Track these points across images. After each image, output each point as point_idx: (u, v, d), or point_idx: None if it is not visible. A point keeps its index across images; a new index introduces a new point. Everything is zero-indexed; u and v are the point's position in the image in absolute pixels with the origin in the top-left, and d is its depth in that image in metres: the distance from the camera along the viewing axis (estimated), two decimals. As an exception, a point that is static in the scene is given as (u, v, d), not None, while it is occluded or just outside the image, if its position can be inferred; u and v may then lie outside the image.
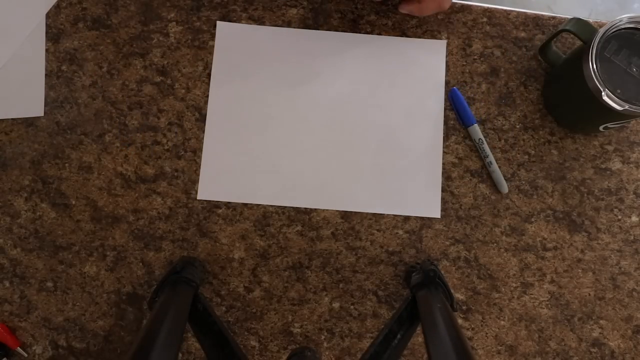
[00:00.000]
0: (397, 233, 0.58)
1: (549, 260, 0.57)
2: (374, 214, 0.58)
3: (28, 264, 0.57)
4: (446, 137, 0.58)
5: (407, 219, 0.58)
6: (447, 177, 0.58)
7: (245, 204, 0.58)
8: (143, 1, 0.60)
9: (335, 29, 0.60)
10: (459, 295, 0.57)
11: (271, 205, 0.58)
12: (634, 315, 0.57)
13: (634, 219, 0.58)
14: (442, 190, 0.58)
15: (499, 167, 0.57)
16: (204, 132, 0.58)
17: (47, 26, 0.59)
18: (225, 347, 0.47)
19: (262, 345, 0.57)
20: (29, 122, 0.58)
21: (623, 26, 0.50)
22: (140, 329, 0.57)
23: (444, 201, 0.58)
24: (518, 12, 0.60)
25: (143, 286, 0.57)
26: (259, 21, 0.60)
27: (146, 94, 0.59)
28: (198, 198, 0.58)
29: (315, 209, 0.58)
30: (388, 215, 0.58)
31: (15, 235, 0.57)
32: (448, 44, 0.59)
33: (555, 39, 0.55)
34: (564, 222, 0.58)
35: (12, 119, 0.58)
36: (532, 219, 0.58)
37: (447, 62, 0.59)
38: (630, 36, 0.50)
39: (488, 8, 0.59)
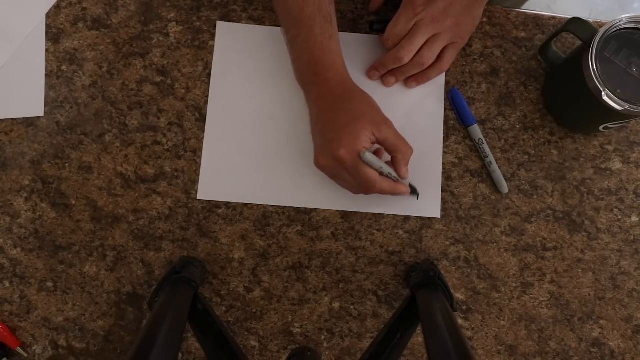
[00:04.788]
0: (397, 233, 0.58)
1: (549, 260, 0.57)
2: (374, 214, 0.58)
3: (28, 264, 0.57)
4: (446, 137, 0.58)
5: (407, 219, 0.58)
6: (447, 177, 0.58)
7: (245, 204, 0.58)
8: (143, 1, 0.60)
9: (335, 29, 0.60)
10: (459, 295, 0.57)
11: (271, 205, 0.58)
12: (634, 315, 0.57)
13: (634, 219, 0.58)
14: (442, 190, 0.58)
15: (499, 167, 0.57)
16: (204, 132, 0.58)
17: (47, 26, 0.59)
18: (225, 347, 0.47)
19: (262, 345, 0.57)
20: (29, 122, 0.58)
21: (623, 26, 0.50)
22: (140, 329, 0.57)
23: (444, 201, 0.58)
24: (518, 12, 0.60)
25: (143, 286, 0.57)
26: (259, 21, 0.60)
27: (146, 94, 0.59)
28: (198, 198, 0.58)
29: (315, 209, 0.58)
30: (388, 215, 0.58)
31: (15, 235, 0.57)
32: (448, 44, 0.59)
33: (555, 39, 0.55)
34: (564, 222, 0.58)
35: (12, 119, 0.58)
36: (532, 219, 0.58)
37: (447, 62, 0.59)
38: (630, 36, 0.50)
39: (488, 8, 0.59)
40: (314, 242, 0.58)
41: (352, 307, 0.57)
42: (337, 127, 0.50)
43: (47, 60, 0.59)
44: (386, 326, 0.49)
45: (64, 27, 0.59)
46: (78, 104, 0.59)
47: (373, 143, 0.51)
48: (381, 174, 0.51)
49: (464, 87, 0.59)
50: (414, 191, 0.55)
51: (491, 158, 0.57)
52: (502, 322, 0.57)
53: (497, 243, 0.57)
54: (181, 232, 0.57)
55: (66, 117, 0.58)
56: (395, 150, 0.51)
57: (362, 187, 0.51)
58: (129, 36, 0.59)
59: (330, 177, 0.53)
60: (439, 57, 0.56)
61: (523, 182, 0.58)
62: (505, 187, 0.57)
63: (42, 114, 0.58)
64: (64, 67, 0.59)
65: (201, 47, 0.59)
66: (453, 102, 0.58)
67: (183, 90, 0.59)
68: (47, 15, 0.59)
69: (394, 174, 0.51)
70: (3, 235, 0.57)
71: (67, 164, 0.58)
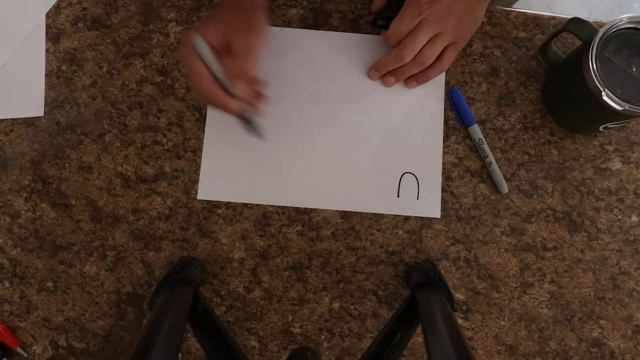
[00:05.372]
0: (397, 233, 0.58)
1: (549, 260, 0.57)
2: (374, 214, 0.58)
3: (28, 264, 0.57)
4: (446, 137, 0.58)
5: (407, 219, 0.58)
6: (447, 177, 0.58)
7: (245, 204, 0.58)
8: (143, 1, 0.60)
9: (336, 29, 0.60)
10: (459, 295, 0.57)
11: (271, 205, 0.58)
12: (634, 315, 0.57)
13: (634, 219, 0.58)
14: (442, 190, 0.58)
15: (499, 167, 0.57)
16: (204, 132, 0.58)
17: (47, 26, 0.59)
18: (225, 347, 0.47)
19: (262, 345, 0.57)
20: (29, 122, 0.58)
21: (623, 26, 0.50)
22: (140, 329, 0.57)
23: (444, 201, 0.58)
24: (518, 12, 0.60)
25: (143, 286, 0.57)
26: (259, 21, 0.60)
27: (146, 94, 0.59)
28: (198, 198, 0.58)
29: (315, 209, 0.58)
30: (388, 215, 0.58)
31: (15, 235, 0.57)
32: (448, 44, 0.59)
33: (555, 39, 0.55)
34: (564, 222, 0.58)
35: (12, 119, 0.58)
36: (532, 219, 0.58)
37: (447, 62, 0.59)
38: (630, 36, 0.50)
39: (488, 8, 0.59)
40: (314, 242, 0.58)
41: (352, 307, 0.57)
42: (218, 13, 0.48)
43: (47, 60, 0.59)
44: (386, 326, 0.49)
45: (64, 27, 0.59)
46: (78, 104, 0.59)
47: (223, 46, 0.47)
48: (215, 78, 0.47)
49: (464, 87, 0.59)
50: (249, 122, 0.51)
51: (491, 158, 0.57)
52: (502, 322, 0.57)
53: (497, 243, 0.57)
54: (181, 232, 0.57)
55: (66, 117, 0.58)
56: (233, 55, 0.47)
57: (190, 79, 0.47)
58: (129, 36, 0.59)
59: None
60: (440, 57, 0.56)
61: (523, 182, 0.58)
62: (505, 187, 0.57)
63: (42, 114, 0.58)
64: (64, 67, 0.59)
65: (201, 47, 0.59)
66: (453, 102, 0.59)
67: (183, 90, 0.59)
68: (47, 15, 0.59)
69: (227, 82, 0.47)
70: (3, 235, 0.57)
71: (67, 164, 0.58)
